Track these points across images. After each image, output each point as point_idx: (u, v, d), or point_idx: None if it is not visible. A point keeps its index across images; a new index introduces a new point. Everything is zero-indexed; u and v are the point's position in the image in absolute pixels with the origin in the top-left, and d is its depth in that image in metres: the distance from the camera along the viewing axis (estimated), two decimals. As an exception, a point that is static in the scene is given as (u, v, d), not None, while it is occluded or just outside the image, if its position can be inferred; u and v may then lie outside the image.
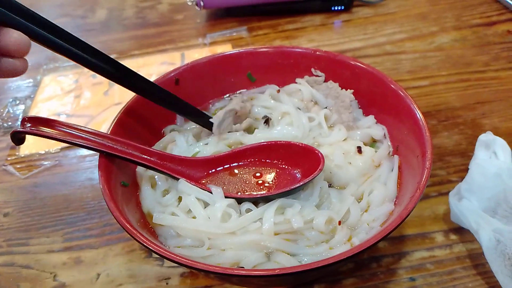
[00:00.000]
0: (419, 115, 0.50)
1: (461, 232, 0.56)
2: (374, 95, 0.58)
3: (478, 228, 0.52)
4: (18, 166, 0.72)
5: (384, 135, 0.57)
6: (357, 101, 0.60)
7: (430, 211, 0.58)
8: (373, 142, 0.57)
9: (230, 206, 0.47)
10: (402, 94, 0.52)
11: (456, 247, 0.54)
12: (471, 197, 0.55)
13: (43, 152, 0.74)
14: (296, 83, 0.64)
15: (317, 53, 0.61)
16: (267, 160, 0.53)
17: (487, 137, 0.59)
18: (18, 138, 0.48)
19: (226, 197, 0.49)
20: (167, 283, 0.54)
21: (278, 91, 0.64)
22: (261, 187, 0.51)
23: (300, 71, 0.64)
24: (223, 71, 0.63)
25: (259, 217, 0.46)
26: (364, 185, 0.51)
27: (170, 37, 1.00)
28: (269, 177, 0.52)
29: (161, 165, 0.51)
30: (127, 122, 0.55)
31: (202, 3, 0.98)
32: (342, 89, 0.61)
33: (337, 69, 0.61)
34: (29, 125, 0.48)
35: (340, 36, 0.92)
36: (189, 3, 1.03)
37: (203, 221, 0.46)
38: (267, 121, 0.58)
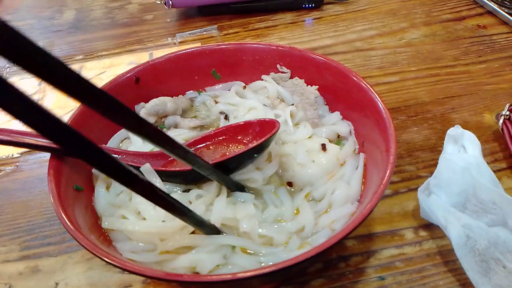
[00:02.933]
0: (382, 108, 0.48)
1: (431, 228, 0.54)
2: (339, 90, 0.56)
3: (447, 224, 0.50)
4: (-25, 172, 0.69)
5: (350, 131, 0.55)
6: (323, 97, 0.59)
7: (399, 208, 0.57)
8: (338, 139, 0.56)
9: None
10: (365, 87, 0.51)
11: (426, 244, 0.53)
12: (440, 192, 0.54)
13: (4, 157, 0.71)
14: (262, 80, 0.62)
15: (280, 48, 0.60)
16: (226, 139, 0.52)
17: (455, 131, 0.58)
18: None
19: (172, 172, 0.47)
20: (129, 292, 0.51)
21: (244, 87, 0.62)
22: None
23: (265, 67, 0.62)
24: (186, 69, 0.61)
25: (209, 203, 0.44)
26: (327, 184, 0.49)
27: (138, 37, 0.97)
28: (225, 151, 0.50)
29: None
30: (83, 122, 0.53)
31: (170, 2, 0.96)
32: (307, 85, 0.60)
33: (302, 65, 0.59)
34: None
35: (311, 34, 0.90)
36: (158, 2, 1.01)
37: (152, 221, 0.44)
38: (226, 116, 0.57)
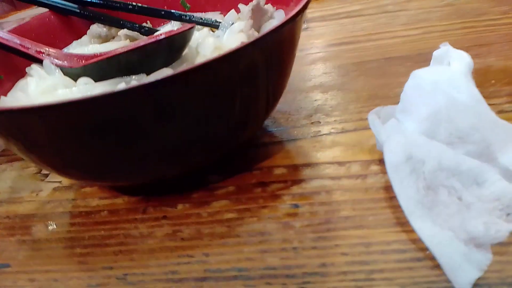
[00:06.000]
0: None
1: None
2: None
3: (387, 140, 0.37)
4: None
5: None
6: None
7: (359, 144, 0.44)
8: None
9: None
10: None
11: (373, 177, 0.40)
12: (406, 118, 0.41)
13: None
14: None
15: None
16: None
17: (441, 50, 0.45)
18: None
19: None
20: (37, 194, 0.48)
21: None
22: None
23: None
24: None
25: None
26: None
27: None
28: None
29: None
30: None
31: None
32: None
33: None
34: None
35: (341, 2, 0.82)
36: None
37: None
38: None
